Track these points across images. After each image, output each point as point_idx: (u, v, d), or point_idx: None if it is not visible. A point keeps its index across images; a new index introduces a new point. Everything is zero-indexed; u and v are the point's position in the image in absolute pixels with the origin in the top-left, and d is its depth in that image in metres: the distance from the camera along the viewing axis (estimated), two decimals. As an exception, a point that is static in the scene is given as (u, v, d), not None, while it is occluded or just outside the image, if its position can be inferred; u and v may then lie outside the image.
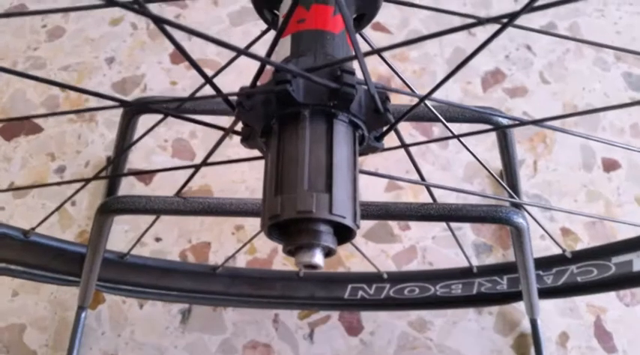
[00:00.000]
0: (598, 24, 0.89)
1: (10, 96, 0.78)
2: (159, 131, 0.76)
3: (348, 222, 0.27)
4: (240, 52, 0.25)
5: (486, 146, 0.77)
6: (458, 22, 0.90)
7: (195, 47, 0.83)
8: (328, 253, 0.28)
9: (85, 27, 0.84)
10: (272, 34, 0.32)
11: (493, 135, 0.67)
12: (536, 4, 0.24)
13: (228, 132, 0.32)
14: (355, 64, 0.29)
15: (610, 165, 0.77)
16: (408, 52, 0.87)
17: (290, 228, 0.28)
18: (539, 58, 0.85)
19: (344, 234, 0.29)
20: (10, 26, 0.85)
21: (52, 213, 0.49)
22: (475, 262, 0.70)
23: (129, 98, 0.79)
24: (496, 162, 0.72)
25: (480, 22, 0.23)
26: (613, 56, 0.87)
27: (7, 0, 0.86)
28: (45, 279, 0.56)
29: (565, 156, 0.78)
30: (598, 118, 0.82)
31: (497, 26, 0.26)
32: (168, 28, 0.26)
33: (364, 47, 0.31)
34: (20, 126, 0.77)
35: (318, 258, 0.27)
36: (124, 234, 0.70)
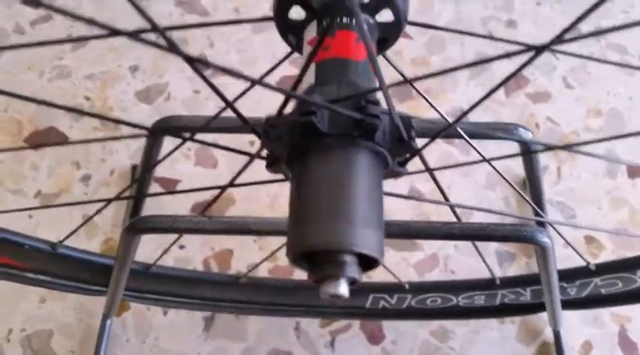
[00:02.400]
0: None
1: (37, 106, 0.80)
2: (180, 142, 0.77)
3: (373, 253, 0.27)
4: (260, 83, 0.26)
5: (506, 153, 0.77)
6: (479, 26, 0.89)
7: (217, 56, 0.83)
8: (353, 282, 0.28)
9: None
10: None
11: (514, 143, 0.66)
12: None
13: (253, 159, 0.32)
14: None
15: (635, 172, 0.76)
16: (429, 57, 0.86)
17: (315, 257, 0.28)
18: (562, 62, 0.84)
19: (369, 261, 0.29)
20: (37, 35, 0.86)
21: (78, 228, 0.50)
22: (498, 270, 0.70)
23: (152, 107, 0.80)
24: (518, 169, 0.72)
25: (530, 49, 0.23)
26: (638, 60, 0.86)
27: (34, 12, 0.87)
28: (72, 290, 0.57)
29: (589, 163, 0.77)
30: (622, 122, 0.81)
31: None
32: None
33: (388, 72, 0.31)
34: (46, 135, 0.78)
35: (343, 288, 0.27)
36: (148, 241, 0.71)
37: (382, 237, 0.28)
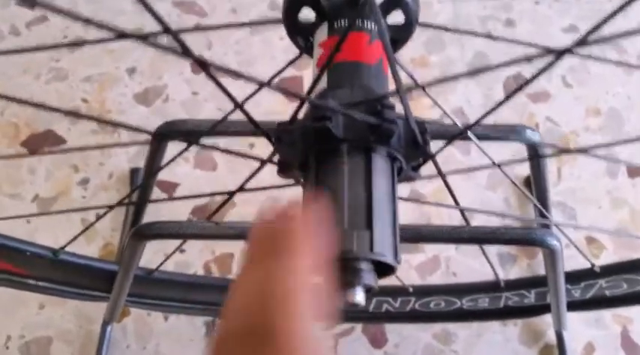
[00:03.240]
0: (623, 26, 0.88)
1: (34, 109, 0.78)
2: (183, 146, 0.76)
3: (389, 260, 0.27)
4: (272, 87, 0.25)
5: (508, 153, 0.77)
6: (477, 25, 0.89)
7: (215, 57, 0.83)
8: (369, 290, 0.28)
9: (107, 36, 0.84)
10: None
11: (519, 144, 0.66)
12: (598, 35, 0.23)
13: (264, 164, 0.32)
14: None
15: (635, 172, 0.76)
16: (429, 57, 0.86)
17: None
18: (561, 62, 0.84)
19: (384, 268, 0.28)
20: (33, 38, 0.85)
21: (79, 234, 0.49)
22: (500, 272, 0.70)
23: (151, 109, 0.80)
24: (521, 169, 0.72)
25: (543, 53, 0.23)
26: (637, 59, 0.86)
27: (30, 13, 0.86)
28: (73, 296, 0.56)
29: (589, 163, 0.77)
30: (621, 122, 0.81)
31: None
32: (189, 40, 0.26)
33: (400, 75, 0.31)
34: (44, 138, 0.78)
35: (359, 296, 0.27)
36: (148, 245, 0.70)
37: (398, 244, 0.28)
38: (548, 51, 0.24)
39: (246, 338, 0.20)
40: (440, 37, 0.87)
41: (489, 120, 0.80)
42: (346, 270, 0.27)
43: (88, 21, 0.25)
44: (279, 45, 0.83)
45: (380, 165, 0.28)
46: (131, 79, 0.82)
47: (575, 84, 0.84)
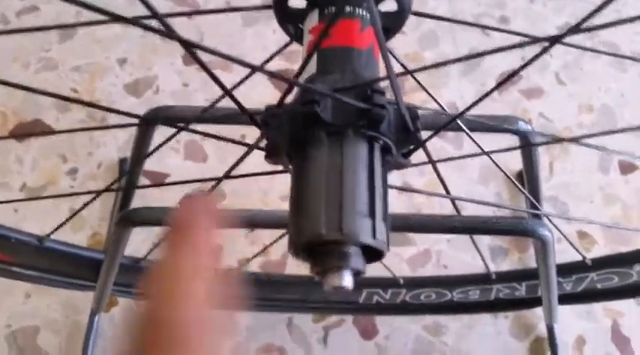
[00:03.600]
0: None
1: (22, 98, 0.78)
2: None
3: (378, 244, 0.26)
4: (262, 71, 0.25)
5: (503, 146, 0.76)
6: (472, 21, 0.89)
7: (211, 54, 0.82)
8: (357, 274, 0.27)
9: (97, 28, 0.83)
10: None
11: (511, 137, 0.66)
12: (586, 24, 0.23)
13: (251, 149, 0.31)
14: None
15: (627, 168, 0.77)
16: (422, 52, 0.86)
17: (318, 249, 0.27)
18: (555, 58, 0.84)
19: (372, 253, 0.28)
20: (23, 27, 0.84)
21: (67, 221, 0.48)
22: (491, 265, 0.69)
23: (141, 100, 0.79)
24: (513, 163, 0.72)
25: (535, 41, 0.22)
26: (630, 56, 0.86)
27: (20, 3, 0.85)
28: (59, 284, 0.56)
29: (582, 158, 0.77)
30: (614, 118, 0.81)
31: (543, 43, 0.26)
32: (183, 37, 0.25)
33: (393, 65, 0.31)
34: (31, 127, 0.77)
35: (347, 280, 0.27)
36: (136, 235, 0.70)
37: (387, 229, 0.28)
38: (538, 39, 0.24)
39: (143, 328, 0.21)
40: (434, 33, 0.87)
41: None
42: (334, 254, 0.26)
43: (80, 2, 0.24)
44: (271, 38, 0.83)
45: (370, 151, 0.28)
46: (121, 70, 0.81)
47: (568, 80, 0.84)
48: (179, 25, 0.85)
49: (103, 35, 0.83)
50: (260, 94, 0.77)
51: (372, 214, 0.26)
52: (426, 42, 0.86)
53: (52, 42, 0.82)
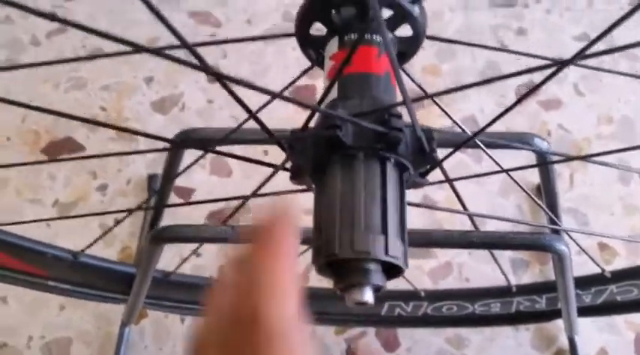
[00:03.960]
0: (634, 34, 0.88)
1: (55, 117, 0.81)
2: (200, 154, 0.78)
3: (398, 261, 0.28)
4: (285, 98, 0.26)
5: (521, 161, 0.77)
6: (489, 34, 0.90)
7: (230, 66, 0.84)
8: (378, 290, 0.29)
9: (124, 47, 0.86)
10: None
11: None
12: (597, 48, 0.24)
13: (277, 170, 0.33)
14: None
15: (647, 179, 0.77)
16: (440, 65, 0.87)
17: (341, 266, 0.29)
18: (572, 70, 0.85)
19: (392, 269, 0.29)
20: (52, 47, 0.87)
21: (100, 237, 0.50)
22: (512, 278, 0.70)
23: (167, 117, 0.81)
24: (532, 176, 0.73)
25: (554, 63, 0.24)
26: (649, 66, 0.86)
27: (49, 23, 0.88)
28: (92, 298, 0.58)
29: (601, 170, 0.77)
30: (633, 129, 0.81)
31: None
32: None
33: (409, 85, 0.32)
34: (63, 145, 0.80)
35: (368, 296, 0.28)
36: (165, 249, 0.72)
37: (406, 246, 0.29)
38: (552, 62, 0.25)
39: (235, 324, 0.22)
40: (451, 47, 0.88)
41: (501, 128, 0.81)
42: (356, 271, 0.28)
43: (105, 35, 0.26)
44: (292, 55, 0.85)
45: (389, 172, 0.29)
46: (148, 88, 0.84)
47: (587, 92, 0.84)
48: (203, 47, 0.88)
49: (131, 54, 0.86)
50: (282, 111, 0.79)
51: (384, 231, 0.28)
52: (444, 55, 0.87)
53: (81, 62, 0.85)
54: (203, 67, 0.27)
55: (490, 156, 0.38)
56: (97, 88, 0.84)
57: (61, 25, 0.89)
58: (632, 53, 0.86)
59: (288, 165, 0.33)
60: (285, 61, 0.85)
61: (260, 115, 0.31)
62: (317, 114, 0.32)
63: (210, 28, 0.89)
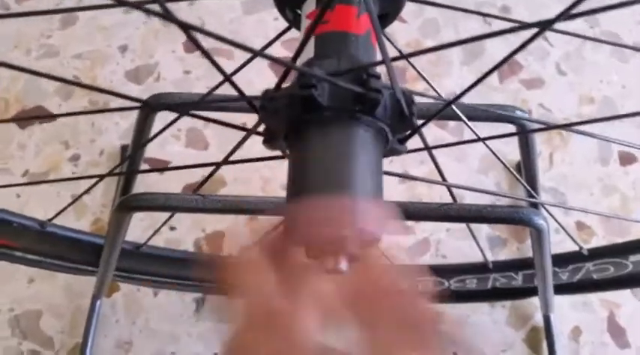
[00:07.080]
0: (617, 14, 0.88)
1: (24, 85, 0.78)
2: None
3: (374, 228, 0.27)
4: (260, 54, 0.25)
5: (505, 140, 0.77)
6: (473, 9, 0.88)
7: (208, 37, 0.82)
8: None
9: (98, 15, 0.83)
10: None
11: (509, 127, 0.66)
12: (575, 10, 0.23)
13: (250, 133, 0.32)
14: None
15: (626, 159, 0.77)
16: (424, 41, 0.86)
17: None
18: (556, 48, 0.84)
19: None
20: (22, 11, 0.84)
21: (69, 205, 0.49)
22: (489, 255, 0.70)
23: (142, 87, 0.79)
24: (513, 154, 0.72)
25: (527, 25, 0.23)
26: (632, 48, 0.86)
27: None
28: (61, 269, 0.56)
29: (581, 150, 0.77)
30: (615, 110, 0.81)
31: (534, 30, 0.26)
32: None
33: (389, 50, 0.31)
34: (33, 113, 0.77)
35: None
36: (139, 222, 0.70)
37: (383, 213, 0.28)
38: (530, 24, 0.24)
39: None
40: (435, 22, 0.86)
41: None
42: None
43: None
44: (272, 25, 0.83)
45: (366, 135, 0.28)
46: (123, 57, 0.81)
47: (569, 71, 0.83)
48: (181, 12, 0.86)
49: (105, 22, 0.83)
50: (264, 81, 0.77)
51: (367, 198, 0.27)
52: (428, 30, 0.86)
53: (53, 29, 0.83)
54: (172, 18, 0.25)
55: (468, 125, 0.37)
56: (69, 55, 0.81)
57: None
58: (615, 33, 0.86)
59: (262, 129, 0.32)
60: (266, 31, 0.83)
61: (238, 85, 0.30)
62: (293, 76, 0.31)
63: (189, -3, 0.87)
